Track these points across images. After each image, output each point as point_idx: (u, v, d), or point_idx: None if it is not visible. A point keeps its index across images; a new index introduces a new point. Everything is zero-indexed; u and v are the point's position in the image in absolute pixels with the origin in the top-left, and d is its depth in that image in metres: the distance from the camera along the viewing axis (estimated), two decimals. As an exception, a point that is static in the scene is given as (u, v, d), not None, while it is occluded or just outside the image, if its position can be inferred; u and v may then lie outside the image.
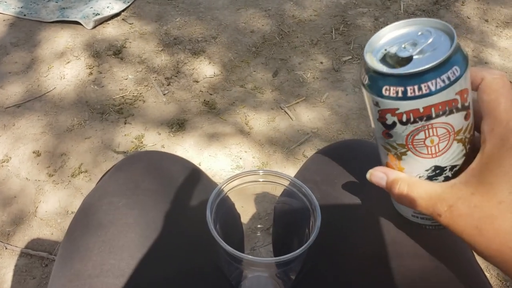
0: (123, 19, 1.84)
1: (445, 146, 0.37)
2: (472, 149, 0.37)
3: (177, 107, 1.51)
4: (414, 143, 0.38)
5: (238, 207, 0.62)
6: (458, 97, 0.34)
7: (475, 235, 0.35)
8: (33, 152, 1.38)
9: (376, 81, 0.36)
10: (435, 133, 0.36)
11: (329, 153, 0.61)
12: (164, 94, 1.55)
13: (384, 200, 0.47)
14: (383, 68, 0.36)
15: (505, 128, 0.33)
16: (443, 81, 0.33)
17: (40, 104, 1.52)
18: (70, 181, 1.31)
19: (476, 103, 0.37)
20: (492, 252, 0.35)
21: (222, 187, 0.51)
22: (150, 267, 0.48)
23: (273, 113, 1.49)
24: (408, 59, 0.35)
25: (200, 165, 1.32)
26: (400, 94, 0.34)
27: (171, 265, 0.49)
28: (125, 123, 1.46)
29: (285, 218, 0.61)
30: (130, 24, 1.82)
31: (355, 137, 1.41)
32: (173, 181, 0.56)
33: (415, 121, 0.36)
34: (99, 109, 1.50)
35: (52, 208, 1.25)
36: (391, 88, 0.35)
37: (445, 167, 0.38)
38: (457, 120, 0.35)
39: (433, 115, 0.35)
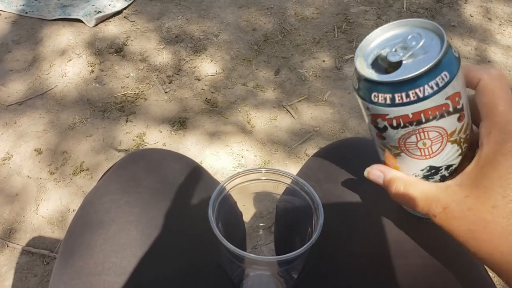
0: (124, 17, 1.83)
1: (438, 148, 0.37)
2: (470, 147, 0.37)
3: (179, 105, 1.51)
4: (406, 146, 0.38)
5: (240, 205, 0.61)
6: (449, 101, 0.34)
7: (468, 238, 0.35)
8: (35, 150, 1.38)
9: (365, 87, 0.36)
10: (427, 137, 0.36)
11: (331, 151, 0.61)
12: (165, 92, 1.55)
13: (386, 199, 0.47)
14: (371, 75, 0.36)
15: (502, 131, 0.33)
16: (431, 87, 0.33)
17: (41, 102, 1.52)
18: (71, 179, 1.31)
19: (475, 103, 0.36)
20: (484, 255, 0.35)
21: (224, 185, 0.51)
22: (151, 265, 0.48)
23: (275, 112, 1.49)
24: (398, 64, 0.35)
25: (201, 164, 1.32)
26: (388, 101, 0.34)
27: (172, 263, 0.49)
28: (126, 121, 1.45)
29: (288, 217, 0.60)
30: (132, 22, 1.81)
31: (357, 136, 1.41)
32: (175, 179, 0.56)
33: (405, 126, 0.36)
34: (101, 107, 1.50)
35: (54, 206, 1.25)
36: (380, 95, 0.35)
37: (441, 167, 0.38)
38: (449, 123, 0.35)
39: (423, 120, 0.35)
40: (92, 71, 1.61)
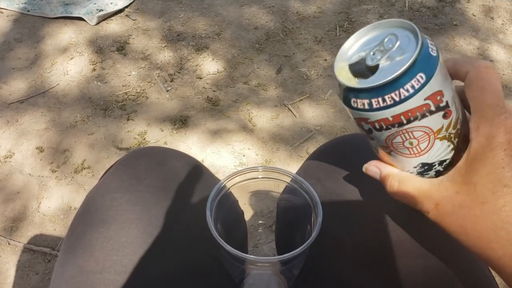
0: (126, 15, 1.83)
1: (427, 146, 0.37)
2: (464, 140, 0.36)
3: (180, 104, 1.51)
4: (394, 146, 0.38)
5: (240, 204, 0.61)
6: (429, 101, 0.34)
7: (461, 234, 0.35)
8: (36, 148, 1.38)
9: (345, 93, 0.37)
10: (412, 136, 0.36)
11: (331, 148, 0.61)
12: (167, 91, 1.55)
13: (388, 197, 0.47)
14: (348, 82, 0.36)
15: (490, 125, 0.33)
16: (407, 90, 0.33)
17: (43, 100, 1.52)
18: (73, 177, 1.31)
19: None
20: (477, 251, 0.35)
21: (223, 185, 0.51)
22: (152, 264, 0.48)
23: (277, 110, 1.49)
24: (376, 68, 0.35)
25: (203, 162, 1.32)
26: (366, 106, 0.35)
27: (173, 261, 0.49)
28: (128, 120, 1.45)
29: (288, 215, 0.60)
30: (134, 20, 1.81)
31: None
32: (176, 178, 0.56)
33: (388, 128, 0.36)
34: (102, 105, 1.50)
35: (55, 204, 1.25)
36: (358, 100, 0.35)
37: (433, 163, 0.38)
38: (434, 121, 0.35)
39: (404, 122, 0.35)
40: (94, 70, 1.61)
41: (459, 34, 1.76)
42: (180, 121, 1.45)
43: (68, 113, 1.48)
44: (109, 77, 1.59)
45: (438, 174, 0.38)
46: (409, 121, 0.34)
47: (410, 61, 0.32)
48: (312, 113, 1.48)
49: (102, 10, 1.80)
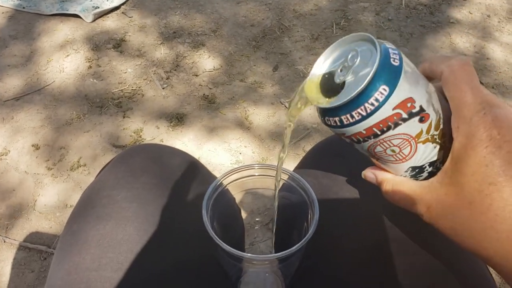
0: (122, 13, 1.83)
1: (410, 151, 0.36)
2: (451, 138, 0.36)
3: (176, 101, 1.50)
4: (377, 155, 0.38)
5: (237, 202, 0.61)
6: (398, 110, 0.33)
7: (453, 235, 0.35)
8: (32, 146, 1.37)
9: (318, 112, 0.37)
10: (391, 145, 0.36)
11: (328, 146, 0.61)
12: (163, 88, 1.54)
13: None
14: (317, 101, 0.37)
15: (469, 125, 0.32)
16: (372, 104, 0.33)
17: (39, 97, 1.51)
18: (69, 174, 1.30)
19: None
20: (471, 251, 0.35)
21: (219, 182, 0.51)
22: (148, 261, 0.48)
23: (273, 108, 1.48)
24: (343, 85, 0.35)
25: (199, 160, 1.32)
26: (338, 123, 0.35)
27: (169, 259, 0.49)
28: (124, 117, 1.45)
29: (285, 213, 0.60)
30: (130, 17, 1.81)
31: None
32: (173, 175, 0.55)
33: (365, 140, 0.36)
34: (98, 103, 1.49)
35: (51, 202, 1.25)
36: (330, 118, 0.36)
37: (423, 165, 0.38)
38: (410, 127, 0.35)
39: (379, 133, 0.35)
40: (90, 67, 1.61)
41: (455, 32, 1.76)
42: (176, 119, 1.44)
43: (64, 111, 1.47)
44: (105, 75, 1.58)
45: (431, 175, 0.38)
46: (383, 132, 0.35)
47: (370, 75, 0.32)
48: (309, 111, 1.48)
49: (98, 7, 1.79)
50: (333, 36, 1.72)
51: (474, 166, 0.32)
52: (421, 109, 0.34)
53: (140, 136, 1.40)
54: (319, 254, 0.52)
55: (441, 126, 0.36)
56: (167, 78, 1.57)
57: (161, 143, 1.38)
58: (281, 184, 0.54)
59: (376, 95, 0.33)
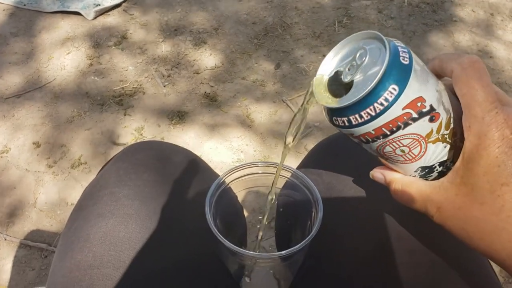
0: (124, 10, 1.82)
1: (420, 151, 0.36)
2: (462, 137, 0.35)
3: (178, 99, 1.50)
4: (386, 155, 0.37)
5: (239, 199, 0.61)
6: (408, 110, 0.33)
7: (464, 237, 0.35)
8: (33, 143, 1.37)
9: (326, 112, 0.37)
10: (401, 145, 0.35)
11: (332, 144, 0.60)
12: (164, 86, 1.54)
13: (388, 193, 0.46)
14: (325, 101, 0.36)
15: (481, 124, 0.32)
16: (381, 104, 0.32)
17: (40, 95, 1.51)
18: (70, 172, 1.30)
19: None
20: (482, 252, 0.34)
21: (222, 180, 0.51)
22: (150, 259, 0.47)
23: (275, 106, 1.48)
24: (351, 84, 0.34)
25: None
26: (347, 123, 0.35)
27: (172, 257, 0.49)
28: (125, 115, 1.45)
29: (288, 211, 0.60)
30: (131, 14, 1.80)
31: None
32: (175, 172, 0.55)
33: (374, 140, 0.35)
34: (99, 101, 1.49)
35: (52, 200, 1.24)
36: (338, 118, 0.35)
37: (433, 165, 0.37)
38: (420, 127, 0.34)
39: (388, 133, 0.34)
40: (91, 64, 1.60)
41: (458, 30, 1.75)
42: (178, 117, 1.44)
43: (65, 108, 1.47)
44: (106, 72, 1.58)
45: (441, 175, 0.37)
46: (392, 132, 0.34)
47: (379, 74, 0.32)
48: (311, 109, 1.47)
49: (99, 5, 1.78)
50: (335, 34, 1.72)
51: (486, 166, 0.32)
52: (431, 109, 0.34)
53: (141, 134, 1.39)
54: (322, 252, 0.52)
55: (452, 125, 0.36)
56: (168, 76, 1.57)
57: (162, 141, 1.37)
58: (284, 182, 0.54)
59: (386, 94, 0.32)
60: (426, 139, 0.35)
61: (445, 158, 0.37)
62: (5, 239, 1.16)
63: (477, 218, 0.33)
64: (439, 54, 0.36)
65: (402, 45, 0.34)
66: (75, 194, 1.25)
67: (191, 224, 0.52)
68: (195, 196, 0.54)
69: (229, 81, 1.55)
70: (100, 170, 0.58)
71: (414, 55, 0.34)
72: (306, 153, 1.31)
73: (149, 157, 0.55)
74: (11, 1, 1.82)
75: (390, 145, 0.35)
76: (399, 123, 0.33)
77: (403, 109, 0.33)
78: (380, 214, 0.50)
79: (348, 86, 0.35)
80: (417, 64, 0.34)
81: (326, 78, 0.37)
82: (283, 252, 0.45)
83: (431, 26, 1.75)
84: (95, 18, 1.77)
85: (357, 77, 0.34)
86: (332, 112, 0.36)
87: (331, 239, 0.51)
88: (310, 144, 1.36)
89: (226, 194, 0.52)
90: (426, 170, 0.38)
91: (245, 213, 0.61)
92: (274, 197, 0.50)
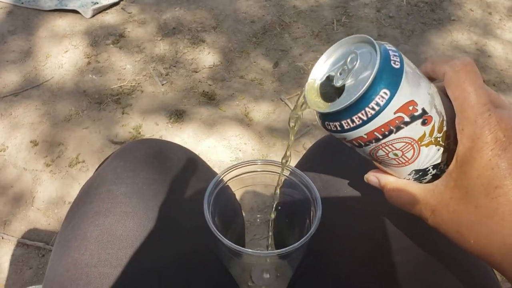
0: (122, 8, 1.82)
1: (413, 155, 0.36)
2: (455, 140, 0.35)
3: (176, 98, 1.49)
4: (379, 159, 0.37)
5: (238, 198, 0.61)
6: (400, 114, 0.33)
7: (458, 239, 0.35)
8: (31, 142, 1.37)
9: (318, 116, 0.37)
10: (394, 149, 0.35)
11: (330, 142, 0.60)
12: (162, 84, 1.53)
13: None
14: (317, 106, 0.36)
15: (474, 126, 0.32)
16: (373, 108, 0.32)
17: (37, 93, 1.50)
18: (67, 171, 1.30)
19: None
20: (477, 255, 0.34)
21: (220, 178, 0.51)
22: (148, 257, 0.47)
23: (274, 105, 1.48)
24: (342, 88, 0.34)
25: (199, 156, 1.31)
26: (339, 128, 0.35)
27: (169, 255, 0.48)
28: (123, 113, 1.44)
29: (286, 209, 0.60)
30: (129, 13, 1.80)
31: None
32: (173, 170, 0.55)
33: (367, 144, 0.35)
34: (97, 99, 1.48)
35: (49, 198, 1.24)
36: (330, 123, 0.35)
37: (427, 168, 0.37)
38: (413, 130, 0.34)
39: (380, 137, 0.34)
40: (89, 63, 1.60)
41: (456, 29, 1.75)
42: (176, 115, 1.44)
43: (63, 107, 1.46)
44: (104, 71, 1.57)
45: (435, 177, 0.37)
46: (384, 136, 0.34)
47: (370, 79, 0.32)
48: (309, 108, 1.47)
49: (97, 3, 1.78)
50: (333, 33, 1.72)
51: (480, 169, 0.32)
52: (424, 112, 0.34)
53: (139, 133, 1.39)
54: (320, 251, 0.52)
55: (445, 128, 0.36)
56: (166, 74, 1.57)
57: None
58: (283, 180, 0.53)
59: (377, 99, 0.32)
60: (419, 142, 0.35)
61: (439, 161, 0.37)
62: (2, 238, 1.16)
63: (472, 221, 0.33)
64: (431, 57, 0.36)
65: (393, 48, 0.34)
66: (72, 193, 1.25)
67: (189, 223, 0.52)
68: (193, 195, 0.54)
69: (227, 80, 1.55)
70: (98, 167, 0.58)
71: (405, 59, 0.34)
72: (304, 151, 1.31)
73: (147, 155, 0.55)
74: (9, 0, 1.82)
75: (383, 149, 0.35)
76: (391, 127, 0.33)
77: (395, 113, 0.33)
78: (377, 214, 0.49)
79: (340, 90, 0.35)
80: (409, 68, 0.34)
81: (318, 83, 0.37)
82: (281, 250, 0.45)
83: (429, 25, 1.75)
84: (93, 16, 1.77)
85: (349, 82, 0.34)
86: (324, 117, 0.36)
87: (329, 239, 0.51)
88: (308, 143, 1.36)
89: (224, 193, 0.52)
90: (420, 173, 0.38)
91: (243, 212, 0.62)
92: (278, 192, 0.50)
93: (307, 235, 0.45)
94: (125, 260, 0.46)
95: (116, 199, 0.49)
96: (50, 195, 1.24)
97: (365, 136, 0.34)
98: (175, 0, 1.86)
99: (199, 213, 0.46)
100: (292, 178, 0.52)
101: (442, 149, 0.36)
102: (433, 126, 0.35)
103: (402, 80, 0.32)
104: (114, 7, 1.82)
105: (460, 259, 0.47)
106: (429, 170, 0.37)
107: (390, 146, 0.35)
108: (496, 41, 1.72)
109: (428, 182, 0.38)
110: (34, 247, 1.15)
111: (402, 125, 0.33)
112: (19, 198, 1.24)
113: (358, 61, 0.34)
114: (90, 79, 1.55)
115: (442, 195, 0.34)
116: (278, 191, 0.50)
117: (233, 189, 0.55)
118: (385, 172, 0.40)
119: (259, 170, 0.53)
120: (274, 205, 0.51)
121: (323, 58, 0.38)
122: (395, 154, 0.36)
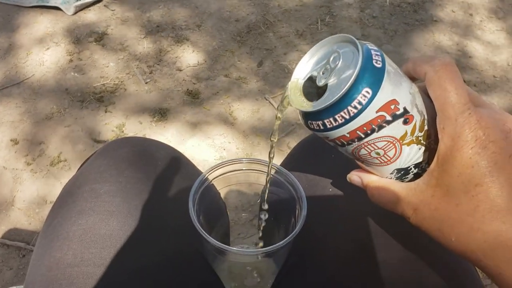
0: (104, 5, 1.79)
1: (395, 154, 0.36)
2: (436, 139, 0.35)
3: (159, 96, 1.48)
4: (362, 158, 0.38)
5: (222, 197, 0.60)
6: (382, 113, 0.33)
7: (440, 237, 0.35)
8: (11, 140, 1.34)
9: (301, 115, 0.37)
10: (376, 147, 0.36)
11: (315, 142, 0.60)
12: (146, 83, 1.52)
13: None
14: (299, 105, 0.36)
15: (454, 125, 0.32)
16: (355, 107, 0.33)
17: (18, 91, 1.48)
18: (48, 170, 1.28)
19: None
20: (459, 254, 0.35)
21: (205, 177, 0.50)
22: (132, 256, 0.47)
23: (258, 104, 1.48)
24: (325, 88, 0.35)
25: (183, 155, 1.30)
26: (321, 127, 0.35)
27: (154, 254, 0.48)
28: (105, 112, 1.43)
29: (271, 208, 0.60)
30: (112, 10, 1.78)
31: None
32: (157, 168, 0.54)
33: (349, 143, 0.36)
34: (79, 97, 1.46)
35: (30, 198, 1.22)
36: (313, 122, 0.35)
37: (408, 167, 0.38)
38: (394, 129, 0.34)
39: (363, 136, 0.34)
40: (71, 60, 1.58)
41: (438, 30, 1.77)
42: (159, 114, 1.43)
43: (44, 105, 1.44)
44: (86, 68, 1.56)
45: (417, 176, 0.38)
46: (367, 135, 0.34)
47: (352, 78, 0.32)
48: (292, 106, 1.47)
49: (79, 0, 1.75)
50: (318, 32, 1.72)
51: (460, 167, 0.32)
52: (405, 111, 0.34)
53: (122, 131, 1.38)
54: (305, 250, 0.52)
55: (426, 127, 0.36)
56: (150, 73, 1.55)
57: (144, 138, 1.36)
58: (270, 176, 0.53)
59: (359, 98, 0.32)
60: (401, 141, 0.35)
61: (420, 160, 0.37)
62: (-19, 238, 1.14)
63: (453, 219, 0.33)
64: (412, 57, 0.36)
65: (375, 48, 0.34)
66: (54, 192, 1.23)
67: (174, 221, 0.52)
68: (178, 193, 0.54)
69: (212, 79, 1.55)
70: (80, 166, 0.57)
71: (387, 58, 0.35)
72: (288, 151, 1.32)
73: (131, 153, 0.54)
74: (-12, -5, 1.78)
75: (365, 148, 0.36)
76: (373, 126, 0.34)
77: (377, 111, 0.33)
78: (361, 214, 0.50)
79: (322, 89, 0.35)
80: (390, 67, 0.34)
81: (301, 82, 0.37)
82: (266, 248, 0.45)
83: (412, 26, 1.77)
84: (75, 13, 1.74)
85: (331, 81, 0.34)
86: (307, 116, 0.36)
87: (314, 238, 0.51)
88: (292, 142, 1.37)
89: (209, 191, 0.52)
90: (402, 172, 0.38)
91: (228, 210, 0.62)
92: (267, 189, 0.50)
93: (292, 233, 0.45)
94: (108, 259, 0.45)
95: (99, 198, 0.49)
96: (31, 195, 1.23)
97: (348, 135, 0.35)
98: (159, -2, 1.85)
99: (183, 212, 0.45)
100: (278, 176, 0.52)
101: (423, 148, 0.36)
102: (415, 125, 0.35)
103: (384, 79, 0.33)
104: (97, 4, 1.80)
105: (444, 257, 0.48)
106: (411, 169, 0.38)
107: (372, 145, 0.35)
108: (477, 42, 1.74)
109: (410, 181, 0.38)
110: (15, 247, 1.13)
111: (384, 124, 0.34)
112: (-1, 198, 1.22)
113: (341, 60, 0.34)
114: (72, 77, 1.53)
115: (424, 194, 0.35)
116: (267, 188, 0.50)
117: (217, 188, 0.54)
118: (368, 172, 0.40)
119: (244, 168, 0.53)
120: (264, 204, 0.51)
121: (306, 57, 0.38)
122: (377, 153, 0.36)
